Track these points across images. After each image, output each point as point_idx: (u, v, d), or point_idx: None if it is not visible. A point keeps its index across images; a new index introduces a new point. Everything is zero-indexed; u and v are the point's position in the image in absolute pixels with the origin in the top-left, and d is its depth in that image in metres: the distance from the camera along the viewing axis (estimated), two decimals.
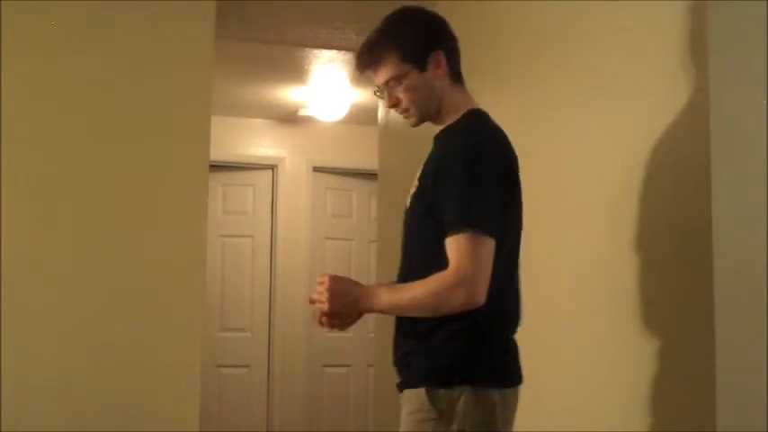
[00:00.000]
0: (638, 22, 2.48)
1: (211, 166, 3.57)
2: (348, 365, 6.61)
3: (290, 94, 5.91)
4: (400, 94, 2.16)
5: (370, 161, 5.28)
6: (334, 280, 2.13)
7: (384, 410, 4.71)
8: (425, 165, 2.16)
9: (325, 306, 2.12)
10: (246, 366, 6.46)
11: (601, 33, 2.66)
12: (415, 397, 2.04)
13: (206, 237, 3.44)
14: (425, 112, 2.18)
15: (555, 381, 2.79)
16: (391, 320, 2.19)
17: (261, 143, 6.59)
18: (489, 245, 1.99)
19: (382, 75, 2.16)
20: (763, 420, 2.08)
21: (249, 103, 6.18)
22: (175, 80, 3.45)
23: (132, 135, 3.38)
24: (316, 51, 4.96)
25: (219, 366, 6.27)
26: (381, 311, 2.16)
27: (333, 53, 4.97)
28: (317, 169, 6.65)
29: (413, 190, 2.16)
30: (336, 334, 6.61)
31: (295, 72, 5.41)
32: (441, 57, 2.15)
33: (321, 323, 2.18)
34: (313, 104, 6.02)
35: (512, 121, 2.67)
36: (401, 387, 2.12)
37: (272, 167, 6.60)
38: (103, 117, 3.36)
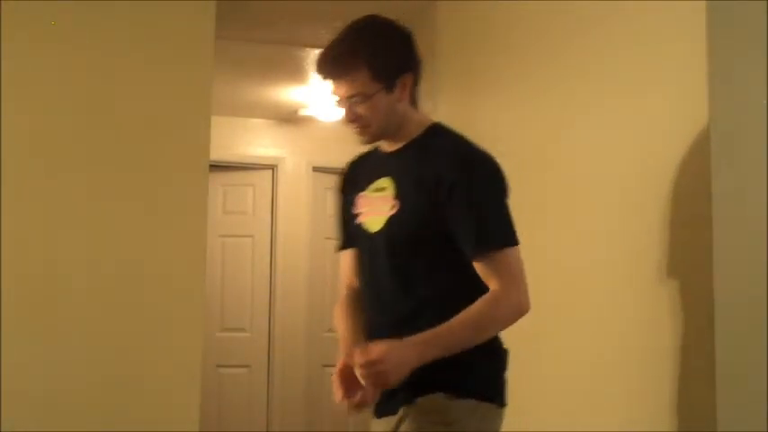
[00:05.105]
0: (645, 23, 2.49)
1: (211, 166, 3.57)
2: None
3: (289, 94, 5.91)
4: (362, 111, 2.01)
5: None
6: (389, 353, 1.86)
7: None
8: (402, 182, 2.02)
9: (387, 383, 1.93)
10: (246, 366, 6.46)
11: (609, 36, 2.66)
12: (447, 406, 1.95)
13: (206, 237, 3.44)
14: (383, 132, 2.06)
15: (555, 377, 2.79)
16: None
17: (261, 143, 6.58)
18: (519, 255, 1.97)
19: (347, 89, 2.01)
20: (763, 420, 2.08)
21: (249, 103, 6.17)
22: (175, 80, 3.45)
23: (132, 135, 3.38)
24: (316, 51, 4.95)
25: (219, 366, 6.27)
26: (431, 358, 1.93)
27: None
28: (316, 169, 6.64)
29: (392, 211, 2.00)
30: (335, 334, 6.65)
31: (295, 72, 5.40)
32: (409, 80, 2.04)
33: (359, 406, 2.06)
34: (313, 104, 6.01)
35: (522, 122, 2.68)
36: (414, 395, 1.99)
37: (272, 167, 6.60)
38: (104, 117, 3.36)
